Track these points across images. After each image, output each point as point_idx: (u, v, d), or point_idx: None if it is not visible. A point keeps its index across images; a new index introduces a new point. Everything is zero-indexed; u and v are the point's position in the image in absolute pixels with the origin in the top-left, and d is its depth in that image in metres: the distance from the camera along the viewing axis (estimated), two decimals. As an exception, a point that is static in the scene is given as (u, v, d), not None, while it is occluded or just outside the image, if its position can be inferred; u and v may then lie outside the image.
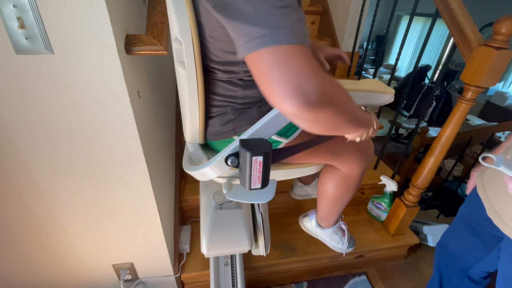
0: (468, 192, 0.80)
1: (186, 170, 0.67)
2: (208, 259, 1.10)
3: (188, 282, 1.16)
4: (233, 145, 0.53)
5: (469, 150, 2.84)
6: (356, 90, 0.56)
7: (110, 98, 0.65)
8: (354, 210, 1.45)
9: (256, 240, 0.94)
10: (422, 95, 3.79)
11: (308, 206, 1.42)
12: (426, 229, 1.40)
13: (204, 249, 0.84)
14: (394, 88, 4.21)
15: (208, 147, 0.72)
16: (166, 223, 1.00)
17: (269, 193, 0.63)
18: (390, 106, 4.18)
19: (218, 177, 0.65)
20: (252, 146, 0.48)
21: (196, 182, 1.28)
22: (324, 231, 0.98)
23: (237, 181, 0.66)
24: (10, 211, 0.80)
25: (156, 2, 0.72)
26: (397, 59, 1.28)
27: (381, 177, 1.30)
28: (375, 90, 0.58)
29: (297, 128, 0.65)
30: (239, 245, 0.86)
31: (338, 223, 0.97)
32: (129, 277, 1.05)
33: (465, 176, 2.12)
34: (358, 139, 0.59)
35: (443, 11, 0.94)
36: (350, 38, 1.79)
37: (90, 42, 0.57)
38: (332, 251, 1.00)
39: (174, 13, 0.48)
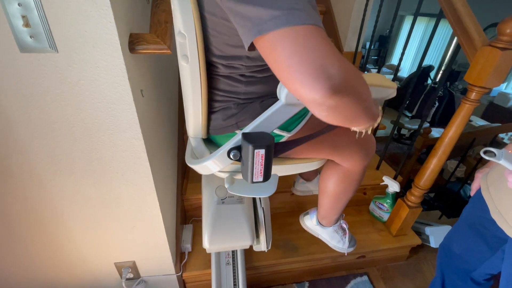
0: (472, 193, 0.79)
1: (188, 164, 0.67)
2: (209, 258, 1.10)
3: (189, 281, 1.16)
4: (236, 138, 0.53)
5: (472, 151, 2.82)
6: None
7: (114, 96, 0.65)
8: (356, 210, 1.45)
9: (257, 236, 0.95)
10: (425, 96, 3.78)
11: (310, 206, 1.41)
12: (428, 230, 1.39)
13: (206, 244, 0.85)
14: (397, 88, 4.19)
15: (210, 142, 0.72)
16: (168, 222, 1.00)
17: (270, 188, 0.64)
18: (392, 106, 4.17)
19: (220, 171, 0.66)
20: (255, 139, 0.48)
21: (198, 181, 1.29)
22: (325, 229, 0.97)
23: (239, 176, 0.67)
24: (13, 209, 0.80)
25: (160, 1, 0.72)
26: (400, 59, 1.28)
27: (384, 178, 1.30)
28: (377, 84, 0.58)
29: (299, 122, 0.65)
30: (241, 239, 0.87)
31: (339, 222, 0.97)
32: (131, 275, 1.05)
33: (468, 177, 2.11)
34: (363, 131, 0.57)
35: (447, 11, 0.93)
36: (353, 38, 1.78)
37: (94, 40, 0.57)
38: (334, 251, 1.00)
39: (178, 7, 0.49)
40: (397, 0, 1.22)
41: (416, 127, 3.37)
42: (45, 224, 0.85)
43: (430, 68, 4.13)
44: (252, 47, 0.38)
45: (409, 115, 3.98)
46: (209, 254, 1.11)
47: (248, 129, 0.52)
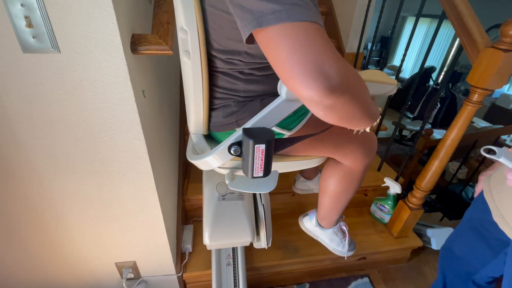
0: (476, 195, 0.79)
1: (189, 160, 0.67)
2: (210, 259, 1.10)
3: (190, 281, 1.16)
4: (236, 134, 0.54)
5: (474, 152, 2.81)
6: None
7: (116, 97, 0.65)
8: (357, 211, 1.45)
9: (258, 233, 0.95)
10: (427, 97, 3.77)
11: (311, 207, 1.40)
12: (429, 232, 1.39)
13: (206, 240, 0.85)
14: (398, 89, 4.19)
15: (211, 138, 0.73)
16: (169, 222, 1.00)
17: (271, 184, 0.64)
18: (394, 107, 4.16)
19: (221, 167, 0.66)
20: (255, 134, 0.49)
21: (199, 181, 1.29)
22: (324, 231, 0.96)
23: (240, 172, 0.67)
24: (13, 208, 0.80)
25: (162, 2, 0.72)
26: (402, 60, 1.28)
27: (385, 179, 1.30)
28: (377, 81, 0.57)
29: (300, 121, 0.65)
30: (241, 236, 0.87)
31: (339, 224, 0.96)
32: (132, 275, 1.06)
33: (470, 179, 2.10)
34: (362, 131, 0.58)
35: (450, 13, 0.93)
36: (355, 39, 1.78)
37: (96, 41, 0.57)
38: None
39: (180, 2, 0.49)
40: (399, 1, 1.22)
41: (418, 128, 3.36)
42: (45, 224, 0.85)
43: (432, 69, 4.12)
44: (250, 40, 0.38)
45: (411, 116, 3.97)
46: (210, 255, 1.11)
47: (248, 124, 0.52)
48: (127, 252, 0.99)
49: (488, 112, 4.23)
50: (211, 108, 0.64)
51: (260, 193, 0.94)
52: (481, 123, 3.57)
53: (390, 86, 0.60)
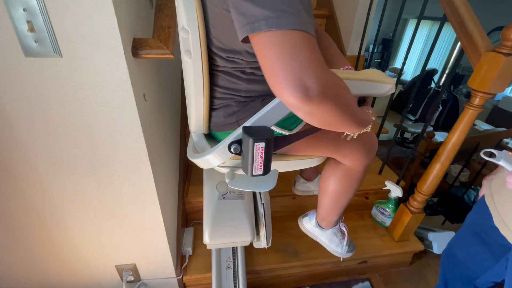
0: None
1: (190, 158, 0.68)
2: (210, 262, 1.10)
3: (190, 284, 1.16)
4: (236, 132, 0.54)
5: (476, 155, 2.80)
6: (354, 79, 0.55)
7: (117, 100, 0.65)
8: (358, 215, 1.44)
9: (258, 233, 0.95)
10: (428, 99, 3.76)
11: (311, 209, 1.41)
12: (431, 235, 1.38)
13: (206, 239, 0.85)
14: (400, 92, 4.19)
15: (212, 137, 0.73)
16: (169, 225, 1.00)
17: (270, 182, 0.65)
18: (396, 109, 4.15)
19: (221, 166, 0.67)
20: (255, 132, 0.50)
21: (200, 183, 1.29)
22: (323, 232, 0.96)
23: (240, 171, 0.67)
24: (14, 210, 0.81)
25: (164, 6, 0.73)
26: (404, 63, 1.27)
27: (386, 183, 1.29)
28: (374, 80, 0.58)
29: (301, 121, 0.65)
30: (241, 235, 0.87)
31: (338, 225, 0.96)
32: (132, 278, 1.06)
33: (472, 182, 2.09)
34: (355, 136, 0.60)
35: (451, 16, 0.93)
36: (356, 41, 1.78)
37: (98, 45, 0.58)
38: (335, 256, 0.99)
39: (182, 2, 0.50)
40: (401, 3, 1.22)
41: (420, 130, 3.35)
42: (45, 225, 0.86)
43: (433, 71, 4.11)
44: (246, 40, 0.40)
45: (413, 118, 3.96)
46: (210, 258, 1.11)
47: (248, 123, 0.53)
48: (127, 254, 0.99)
49: (491, 114, 4.21)
50: (212, 108, 0.64)
51: (260, 193, 0.94)
52: (484, 126, 3.55)
53: (388, 86, 0.59)
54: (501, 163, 0.57)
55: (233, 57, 0.55)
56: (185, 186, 1.30)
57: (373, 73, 0.59)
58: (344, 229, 0.96)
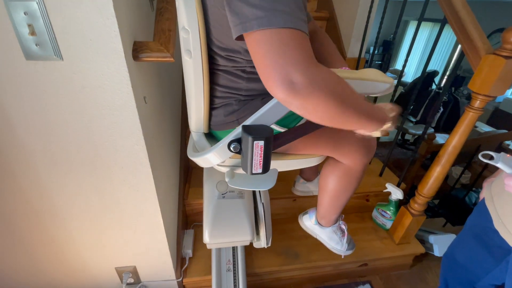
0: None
1: (190, 157, 0.68)
2: (210, 264, 1.09)
3: (190, 287, 1.15)
4: (236, 131, 0.55)
5: (477, 157, 2.79)
6: (352, 78, 0.55)
7: (117, 103, 0.66)
8: (359, 217, 1.44)
9: (257, 232, 0.95)
10: (429, 101, 3.75)
11: (312, 212, 1.41)
12: (432, 238, 1.37)
13: (206, 238, 0.85)
14: (401, 93, 4.18)
15: (212, 137, 0.74)
16: (169, 227, 1.00)
17: (270, 181, 0.66)
18: (396, 111, 4.14)
19: (221, 165, 0.67)
20: (254, 131, 0.50)
21: (200, 185, 1.29)
22: (323, 230, 0.96)
23: (240, 170, 0.68)
24: (15, 212, 0.81)
25: (164, 9, 0.73)
26: (404, 64, 1.27)
27: (387, 185, 1.29)
28: (373, 79, 0.58)
29: (301, 119, 0.65)
30: (241, 234, 0.87)
31: (338, 223, 0.96)
32: (132, 280, 1.05)
33: (473, 184, 2.08)
34: (372, 134, 0.56)
35: (451, 19, 0.93)
36: (357, 43, 1.78)
37: (98, 49, 0.58)
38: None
39: (182, 2, 0.51)
40: (401, 5, 1.22)
41: (420, 132, 3.34)
42: (46, 227, 0.86)
43: (434, 73, 4.10)
44: (239, 38, 0.42)
45: (413, 120, 3.95)
46: (210, 260, 1.11)
47: (248, 122, 0.53)
48: (127, 256, 0.99)
49: (491, 116, 4.20)
50: (212, 107, 0.65)
51: (259, 192, 0.94)
52: (485, 128, 3.55)
53: (386, 84, 0.59)
54: (499, 165, 0.57)
55: (233, 56, 0.56)
56: (185, 188, 1.30)
57: (371, 72, 0.59)
58: (343, 227, 0.97)
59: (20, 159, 0.71)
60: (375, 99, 1.44)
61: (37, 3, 0.51)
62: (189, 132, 0.74)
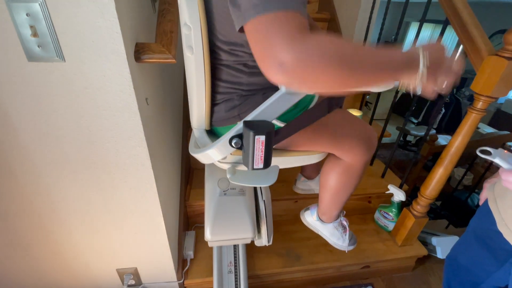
0: (481, 203, 0.78)
1: (191, 153, 0.69)
2: (211, 266, 1.09)
3: (191, 288, 1.15)
4: (237, 127, 0.55)
5: (479, 159, 2.78)
6: None
7: (119, 104, 0.66)
8: (361, 219, 1.43)
9: (259, 230, 0.95)
10: (431, 102, 3.75)
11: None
12: (435, 240, 1.36)
13: (207, 235, 0.85)
14: (402, 94, 4.18)
15: (213, 133, 0.74)
16: (170, 228, 1.00)
17: (271, 177, 0.66)
18: (398, 112, 4.14)
19: (222, 161, 0.68)
20: (255, 126, 0.50)
21: (202, 187, 1.29)
22: (325, 226, 0.97)
23: (241, 167, 0.68)
24: (17, 213, 0.81)
25: (166, 11, 0.73)
26: (406, 67, 1.27)
27: (389, 186, 1.28)
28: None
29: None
30: (243, 231, 0.87)
31: (340, 219, 0.96)
32: (133, 282, 1.05)
33: (476, 186, 2.07)
34: (415, 85, 0.47)
35: (453, 20, 0.93)
36: (358, 45, 1.78)
37: (100, 50, 0.58)
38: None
39: None
40: (403, 6, 1.22)
41: (422, 133, 3.34)
42: (46, 228, 0.86)
43: (436, 74, 4.08)
44: (242, 31, 0.42)
45: (415, 121, 3.94)
46: (212, 262, 1.11)
47: (249, 117, 0.53)
48: (128, 258, 0.99)
49: (493, 117, 4.19)
50: (214, 103, 0.65)
51: (261, 189, 0.95)
52: (487, 129, 3.53)
53: None
54: (496, 160, 0.58)
55: (236, 49, 0.56)
56: (186, 189, 1.30)
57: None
58: (345, 223, 0.97)
59: (22, 160, 0.71)
60: (378, 96, 1.43)
61: (39, 4, 0.52)
62: (191, 131, 0.74)
